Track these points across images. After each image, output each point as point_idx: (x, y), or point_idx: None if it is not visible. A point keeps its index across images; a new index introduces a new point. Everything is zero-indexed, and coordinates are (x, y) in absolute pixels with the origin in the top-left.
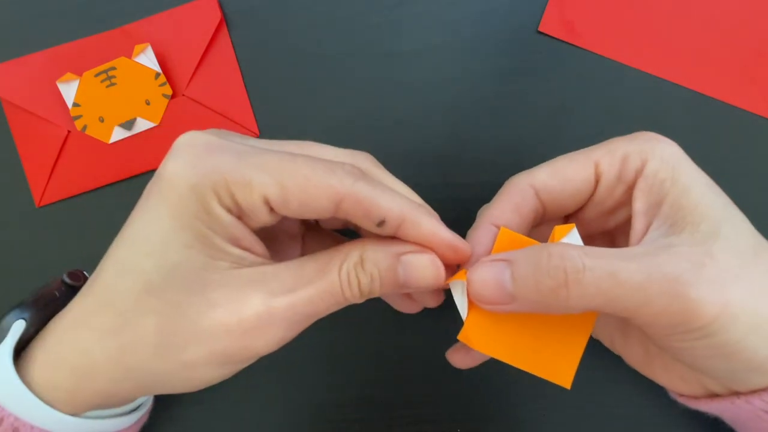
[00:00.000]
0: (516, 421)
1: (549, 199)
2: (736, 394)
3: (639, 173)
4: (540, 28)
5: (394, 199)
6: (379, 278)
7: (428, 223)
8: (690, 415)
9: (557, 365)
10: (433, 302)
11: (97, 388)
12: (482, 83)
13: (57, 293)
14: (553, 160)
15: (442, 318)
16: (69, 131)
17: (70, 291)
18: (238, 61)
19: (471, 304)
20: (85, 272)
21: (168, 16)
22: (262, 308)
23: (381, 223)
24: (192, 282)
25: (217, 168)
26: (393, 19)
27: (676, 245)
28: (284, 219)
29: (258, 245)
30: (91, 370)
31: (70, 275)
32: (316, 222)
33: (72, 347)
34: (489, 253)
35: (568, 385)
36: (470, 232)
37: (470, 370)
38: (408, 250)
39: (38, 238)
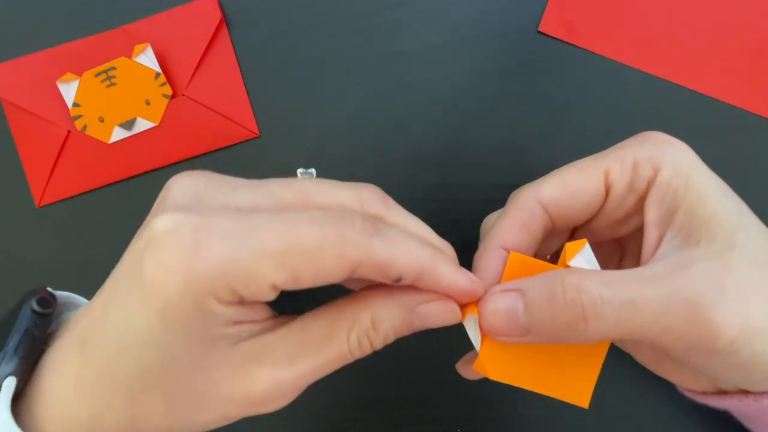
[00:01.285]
0: (516, 421)
1: (558, 213)
2: (745, 392)
3: (651, 182)
4: (540, 28)
5: (410, 251)
6: (394, 333)
7: (447, 275)
8: (691, 414)
9: (574, 386)
10: None
11: None
12: (482, 83)
13: (36, 332)
14: (559, 170)
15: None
16: (69, 131)
17: (44, 319)
18: (238, 61)
19: (484, 335)
20: (50, 289)
21: (168, 16)
22: (268, 383)
23: (398, 280)
24: (193, 367)
25: (211, 268)
26: (393, 19)
27: (693, 261)
28: None
29: (257, 311)
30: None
31: (40, 302)
32: None
33: (82, 412)
34: (499, 279)
35: (585, 405)
36: (478, 256)
37: None
38: (423, 299)
39: (38, 238)
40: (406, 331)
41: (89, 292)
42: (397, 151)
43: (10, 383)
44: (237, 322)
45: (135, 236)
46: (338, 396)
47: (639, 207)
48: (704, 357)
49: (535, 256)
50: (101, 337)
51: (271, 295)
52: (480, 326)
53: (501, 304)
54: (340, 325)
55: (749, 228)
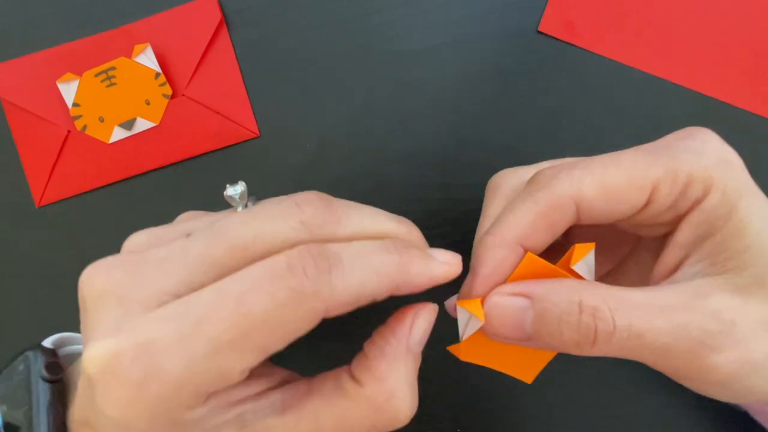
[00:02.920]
0: (516, 421)
1: (587, 215)
2: None
3: (696, 205)
4: (540, 28)
5: (376, 272)
6: (411, 375)
7: (420, 275)
8: (691, 415)
9: (527, 366)
10: None
11: None
12: (482, 83)
13: (59, 405)
14: (601, 163)
15: (442, 318)
16: (69, 131)
17: (59, 384)
18: (238, 61)
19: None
20: (47, 345)
21: (168, 16)
22: None
23: (373, 301)
24: None
25: (172, 388)
26: (393, 19)
27: (711, 293)
28: None
29: (249, 387)
30: None
31: (49, 368)
32: None
33: None
34: (507, 278)
35: (529, 381)
36: (486, 246)
37: (471, 371)
38: (407, 330)
39: (38, 238)
40: (415, 371)
41: None
42: (397, 151)
43: None
44: (233, 403)
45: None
46: None
47: (675, 222)
48: (698, 384)
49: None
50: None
51: (245, 376)
52: (470, 323)
53: (509, 311)
54: (357, 408)
55: None
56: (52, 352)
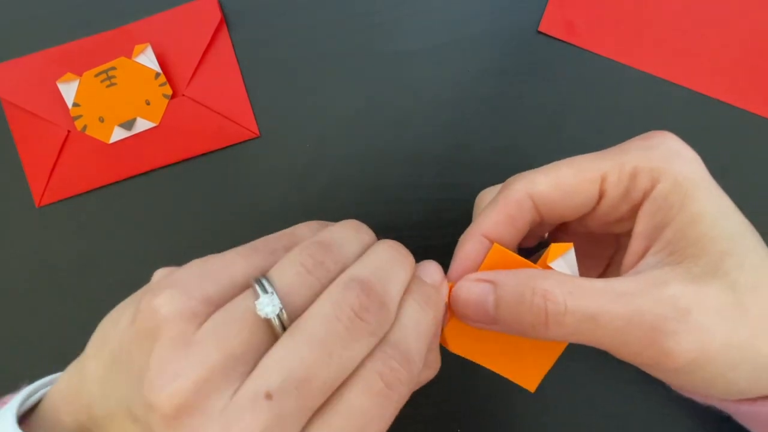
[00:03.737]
0: (516, 421)
1: (547, 210)
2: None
3: (647, 194)
4: (540, 28)
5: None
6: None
7: (432, 321)
8: (689, 414)
9: (527, 371)
10: None
11: None
12: (482, 83)
13: None
14: (556, 165)
15: None
16: (69, 131)
17: None
18: (238, 61)
19: (451, 314)
20: (18, 400)
21: (168, 16)
22: None
23: None
24: None
25: None
26: (393, 19)
27: (667, 282)
28: None
29: None
30: None
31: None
32: None
33: None
34: (477, 267)
35: (532, 389)
36: (461, 241)
37: (471, 371)
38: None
39: (38, 238)
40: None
41: (89, 292)
42: (397, 151)
43: None
44: None
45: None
46: None
47: (633, 214)
48: (659, 373)
49: (521, 244)
50: None
51: None
52: (447, 307)
53: (473, 294)
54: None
55: (742, 253)
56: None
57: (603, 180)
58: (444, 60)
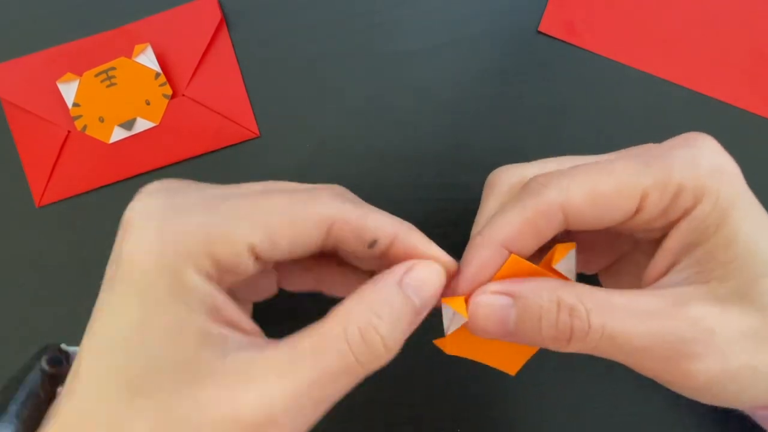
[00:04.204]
0: (516, 421)
1: (577, 222)
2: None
3: (687, 213)
4: (540, 28)
5: (383, 217)
6: (397, 318)
7: (421, 239)
8: (692, 416)
9: (511, 359)
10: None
11: None
12: (482, 83)
13: (42, 393)
14: (590, 170)
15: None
16: (69, 131)
17: (54, 378)
18: (238, 61)
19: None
20: (63, 347)
21: (168, 16)
22: (257, 404)
23: (372, 244)
24: (177, 378)
25: (185, 232)
26: (393, 19)
27: (692, 301)
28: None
29: (241, 316)
30: None
31: (50, 360)
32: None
33: None
34: (491, 277)
35: (512, 373)
36: (476, 247)
37: (470, 370)
38: (405, 268)
39: (38, 238)
40: (408, 315)
41: (89, 292)
42: (397, 151)
43: None
44: (218, 315)
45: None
46: None
47: (666, 228)
48: (678, 389)
49: None
50: (85, 362)
51: (249, 264)
52: (454, 317)
53: (493, 309)
54: (332, 327)
55: None
56: (63, 351)
57: (644, 197)
58: (444, 60)
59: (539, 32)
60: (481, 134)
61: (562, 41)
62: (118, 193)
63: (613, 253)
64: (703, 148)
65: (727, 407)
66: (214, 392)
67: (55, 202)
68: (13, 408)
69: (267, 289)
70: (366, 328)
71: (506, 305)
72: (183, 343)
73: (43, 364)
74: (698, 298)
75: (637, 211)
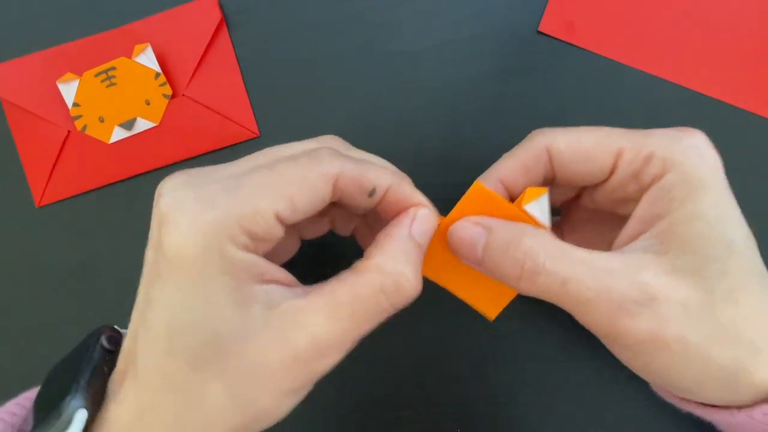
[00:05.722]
0: (516, 421)
1: (560, 168)
2: (705, 405)
3: (655, 181)
4: (540, 28)
5: (378, 169)
6: (414, 260)
7: (411, 187)
8: (688, 418)
9: (489, 301)
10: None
11: None
12: (482, 83)
13: (105, 368)
14: (578, 128)
15: (442, 318)
16: (69, 131)
17: (112, 355)
18: (238, 61)
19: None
20: (116, 327)
21: (168, 16)
22: (310, 346)
23: (372, 192)
24: (238, 339)
25: (219, 216)
26: (393, 19)
27: (646, 268)
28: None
29: (281, 272)
30: None
31: (110, 340)
32: None
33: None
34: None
35: (491, 318)
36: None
37: (470, 370)
38: (410, 220)
39: (38, 238)
40: (419, 257)
41: (89, 292)
42: (397, 151)
43: (82, 416)
44: (262, 277)
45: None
46: (338, 396)
47: (639, 197)
48: (615, 348)
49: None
50: (147, 340)
51: (279, 230)
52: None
53: (467, 234)
54: (370, 278)
55: (734, 264)
56: (118, 332)
57: (618, 155)
58: (444, 60)
59: (539, 32)
60: (481, 134)
61: (562, 41)
62: (118, 193)
63: (606, 242)
64: (689, 135)
65: (686, 409)
66: (272, 338)
67: (55, 202)
68: (82, 381)
69: (293, 246)
70: (398, 280)
71: (479, 234)
72: (237, 309)
73: (105, 342)
74: (652, 266)
75: (612, 171)
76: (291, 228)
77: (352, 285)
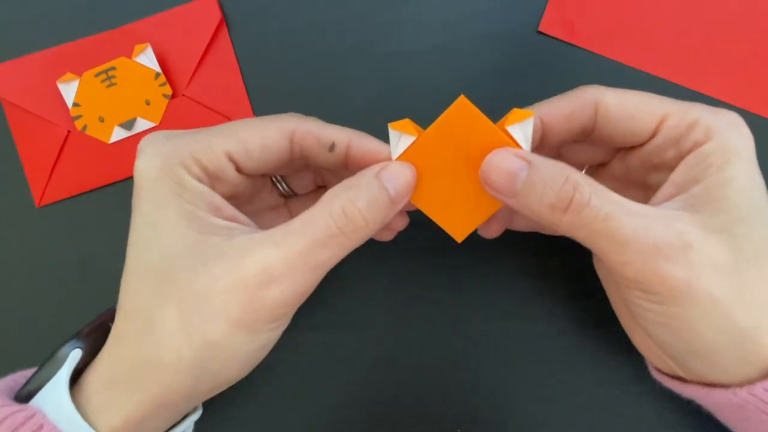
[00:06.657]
0: (516, 421)
1: (604, 125)
2: (705, 384)
3: (695, 147)
4: (540, 28)
5: (336, 126)
6: (374, 197)
7: (373, 141)
8: (690, 414)
9: (459, 223)
10: (401, 224)
11: (148, 398)
12: (482, 83)
13: (110, 323)
14: (631, 91)
15: (442, 318)
16: (69, 131)
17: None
18: (238, 61)
19: (405, 152)
20: None
21: (168, 16)
22: (258, 266)
23: (332, 147)
24: (192, 261)
25: (177, 146)
26: (393, 19)
27: (682, 219)
28: (259, 186)
29: (240, 215)
30: (136, 378)
31: (79, 334)
32: (285, 186)
33: (117, 362)
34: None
35: (459, 240)
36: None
37: (470, 370)
38: (381, 166)
39: (38, 238)
40: (383, 200)
41: (89, 292)
42: None
43: (76, 354)
44: (219, 212)
45: None
46: (338, 396)
47: (674, 164)
48: (641, 296)
49: (564, 159)
50: (126, 267)
51: (232, 171)
52: (401, 144)
53: (507, 165)
54: (318, 207)
55: (758, 226)
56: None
57: (663, 119)
58: (444, 60)
59: (539, 32)
60: None
61: (562, 41)
62: (118, 193)
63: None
64: (728, 111)
65: (687, 395)
66: (225, 265)
67: (55, 202)
68: (85, 330)
69: (274, 200)
70: (346, 204)
71: (521, 166)
72: (192, 231)
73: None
74: (688, 221)
75: (654, 133)
76: (266, 180)
77: (304, 214)
